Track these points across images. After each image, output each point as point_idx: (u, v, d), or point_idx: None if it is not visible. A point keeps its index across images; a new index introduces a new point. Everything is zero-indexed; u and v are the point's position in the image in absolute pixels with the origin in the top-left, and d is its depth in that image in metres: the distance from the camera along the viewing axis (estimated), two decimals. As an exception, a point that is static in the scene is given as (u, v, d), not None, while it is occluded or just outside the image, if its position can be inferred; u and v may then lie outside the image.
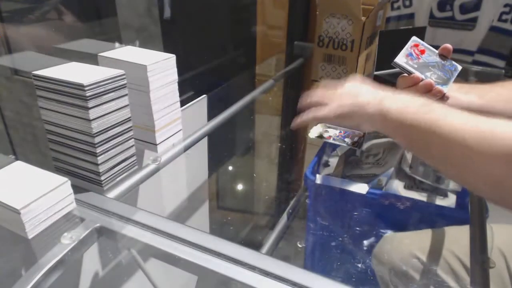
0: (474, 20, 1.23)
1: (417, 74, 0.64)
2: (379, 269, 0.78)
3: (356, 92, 0.60)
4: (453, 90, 0.66)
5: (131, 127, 0.60)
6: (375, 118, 0.55)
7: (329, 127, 0.92)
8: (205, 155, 1.03)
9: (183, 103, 0.74)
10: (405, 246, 0.75)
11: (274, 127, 1.55)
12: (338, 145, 1.08)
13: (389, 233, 0.81)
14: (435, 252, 0.72)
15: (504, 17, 1.20)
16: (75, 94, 0.52)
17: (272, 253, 0.83)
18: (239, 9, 1.42)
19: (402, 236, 0.79)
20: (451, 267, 0.69)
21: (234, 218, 1.47)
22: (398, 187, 0.94)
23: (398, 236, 0.79)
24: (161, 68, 0.64)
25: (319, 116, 0.63)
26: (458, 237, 0.73)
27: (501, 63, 1.24)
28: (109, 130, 0.56)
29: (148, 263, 0.53)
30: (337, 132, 0.90)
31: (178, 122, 0.72)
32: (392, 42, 1.13)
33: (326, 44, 1.03)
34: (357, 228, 0.89)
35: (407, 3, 1.26)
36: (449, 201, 0.89)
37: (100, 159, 0.56)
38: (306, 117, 0.65)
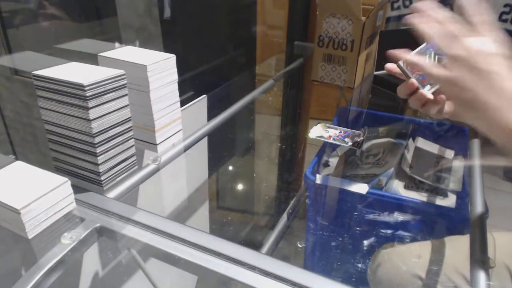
0: (474, 20, 1.24)
1: (413, 80, 0.62)
2: (375, 285, 0.76)
3: (494, 72, 0.45)
4: None
5: (131, 127, 0.60)
6: (499, 127, 0.43)
7: (329, 127, 0.92)
8: (205, 155, 1.03)
9: (183, 103, 0.74)
10: (403, 262, 0.73)
11: (274, 127, 1.55)
12: (338, 145, 1.08)
13: (385, 247, 0.79)
14: (436, 268, 0.70)
15: (504, 17, 1.20)
16: (75, 94, 0.52)
17: (272, 253, 0.83)
18: (239, 9, 1.42)
19: (399, 251, 0.77)
20: (453, 283, 0.67)
21: (234, 218, 1.47)
22: (398, 187, 0.94)
23: (395, 251, 0.77)
24: (161, 68, 0.64)
25: (426, 69, 0.52)
26: (459, 250, 0.71)
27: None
28: (109, 130, 0.56)
29: (148, 263, 0.53)
30: (337, 132, 0.90)
31: (178, 122, 0.72)
32: (392, 42, 1.13)
33: (326, 44, 1.03)
34: (357, 228, 0.89)
35: (407, 3, 1.26)
36: (449, 201, 0.89)
37: (100, 159, 0.56)
38: (404, 57, 0.55)
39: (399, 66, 0.64)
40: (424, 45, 0.65)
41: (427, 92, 0.62)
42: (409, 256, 0.74)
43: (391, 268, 0.74)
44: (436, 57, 0.64)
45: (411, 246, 0.77)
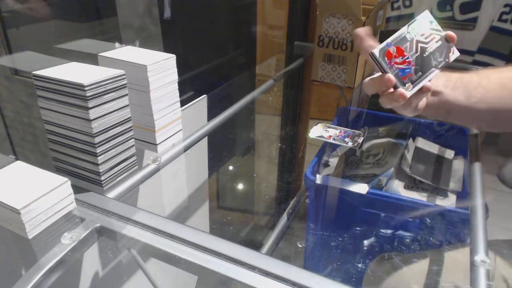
0: (474, 20, 1.24)
1: (390, 76, 0.51)
2: None
3: None
4: (440, 85, 0.58)
5: (131, 127, 0.60)
6: None
7: (329, 127, 0.92)
8: (205, 155, 1.03)
9: (183, 103, 0.74)
10: (399, 278, 0.71)
11: (274, 127, 1.55)
12: (338, 145, 1.08)
13: (378, 260, 0.78)
14: (433, 284, 0.67)
15: (504, 17, 1.20)
16: (75, 94, 0.52)
17: (272, 253, 0.83)
18: (239, 9, 1.42)
19: (394, 264, 0.74)
20: None
21: (234, 218, 1.47)
22: (398, 187, 0.94)
23: (390, 265, 0.74)
24: (161, 68, 0.64)
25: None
26: (457, 265, 0.69)
27: (501, 63, 1.24)
28: (109, 130, 0.56)
29: (148, 263, 0.53)
30: (337, 132, 0.90)
31: (178, 122, 0.72)
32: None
33: (326, 44, 1.03)
34: (357, 228, 0.89)
35: (407, 3, 1.26)
36: (449, 201, 0.89)
37: (100, 159, 0.56)
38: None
39: (373, 56, 0.52)
40: (403, 29, 0.54)
41: (408, 92, 0.51)
42: (406, 272, 0.72)
43: (386, 282, 0.72)
44: (419, 45, 0.54)
45: (407, 258, 0.75)
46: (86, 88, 0.51)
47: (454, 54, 0.54)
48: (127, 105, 0.58)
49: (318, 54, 1.05)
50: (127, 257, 0.52)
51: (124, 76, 0.56)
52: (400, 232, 0.85)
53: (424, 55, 0.53)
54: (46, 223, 0.50)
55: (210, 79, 1.25)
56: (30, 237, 0.48)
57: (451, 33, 0.54)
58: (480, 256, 0.51)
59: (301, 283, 0.43)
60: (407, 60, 0.52)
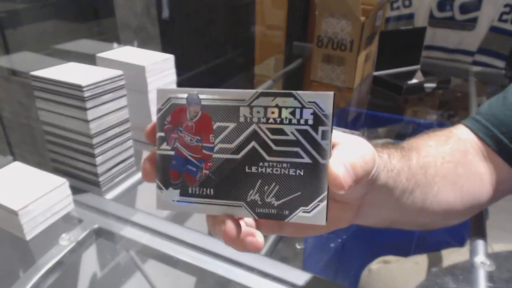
0: (474, 20, 1.23)
1: None
2: None
3: None
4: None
5: (129, 128, 0.60)
6: None
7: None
8: (204, 156, 1.03)
9: (181, 103, 0.74)
10: (397, 281, 0.69)
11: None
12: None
13: (374, 264, 0.77)
14: (433, 287, 0.67)
15: (504, 17, 1.20)
16: (73, 95, 0.52)
17: (271, 254, 0.83)
18: (238, 10, 1.42)
19: (392, 269, 0.72)
20: None
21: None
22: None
23: (387, 268, 0.72)
24: (159, 68, 0.64)
25: None
26: (457, 266, 0.69)
27: (501, 63, 1.23)
28: (107, 131, 0.56)
29: (146, 265, 0.53)
30: (336, 132, 0.90)
31: (176, 123, 0.72)
32: (392, 42, 1.13)
33: (325, 44, 1.03)
34: (356, 230, 0.89)
35: (407, 3, 1.26)
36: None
37: (98, 160, 0.56)
38: None
39: None
40: None
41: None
42: (404, 277, 0.72)
43: (384, 285, 0.72)
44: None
45: (404, 262, 0.75)
46: (84, 89, 0.51)
47: None
48: (125, 106, 0.58)
49: (317, 55, 1.05)
50: (125, 258, 0.52)
51: (122, 77, 0.56)
52: (399, 234, 0.85)
53: None
54: (44, 225, 0.50)
55: (208, 79, 1.25)
56: (28, 238, 0.48)
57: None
58: (480, 257, 0.51)
59: (299, 284, 0.43)
60: None
